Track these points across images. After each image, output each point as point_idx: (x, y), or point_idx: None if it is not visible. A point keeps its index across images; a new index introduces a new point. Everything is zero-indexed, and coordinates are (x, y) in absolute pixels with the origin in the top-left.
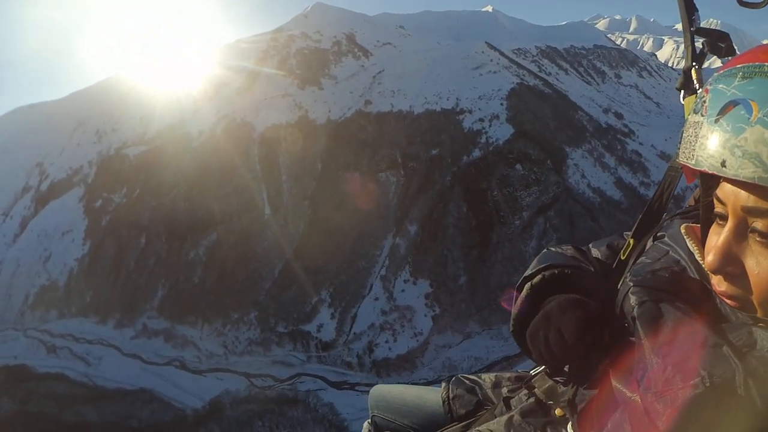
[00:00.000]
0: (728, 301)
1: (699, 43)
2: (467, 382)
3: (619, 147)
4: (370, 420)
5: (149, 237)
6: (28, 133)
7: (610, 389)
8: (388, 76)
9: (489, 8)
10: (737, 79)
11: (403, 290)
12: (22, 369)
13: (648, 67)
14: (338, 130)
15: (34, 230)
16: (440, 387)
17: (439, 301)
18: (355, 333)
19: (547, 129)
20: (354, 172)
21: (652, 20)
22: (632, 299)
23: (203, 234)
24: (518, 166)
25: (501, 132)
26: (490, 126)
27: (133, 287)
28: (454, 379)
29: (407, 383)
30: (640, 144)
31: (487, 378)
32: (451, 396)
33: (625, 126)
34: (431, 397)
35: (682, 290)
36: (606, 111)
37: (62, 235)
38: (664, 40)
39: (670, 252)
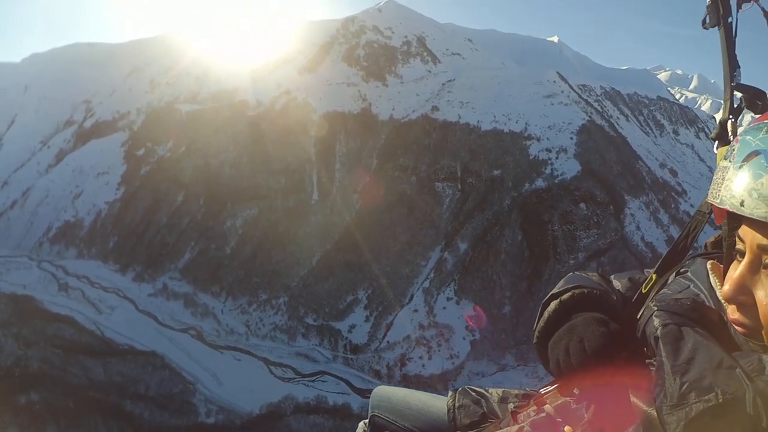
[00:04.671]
0: (739, 329)
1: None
2: (474, 393)
3: (672, 205)
4: (367, 420)
5: (187, 196)
6: (81, 68)
7: (625, 408)
8: (458, 86)
9: (555, 38)
10: (762, 132)
11: (444, 307)
12: (29, 302)
13: (706, 129)
14: (400, 130)
15: (70, 164)
16: (446, 396)
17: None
18: (388, 341)
19: (611, 173)
20: (411, 176)
21: (713, 81)
22: (656, 321)
23: (244, 205)
24: (582, 205)
25: (567, 166)
26: (557, 158)
27: (161, 243)
28: (461, 389)
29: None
30: (691, 206)
31: (495, 392)
32: (456, 405)
33: (679, 185)
34: (436, 403)
35: (701, 317)
36: (662, 166)
37: (97, 176)
38: (722, 104)
39: (691, 286)
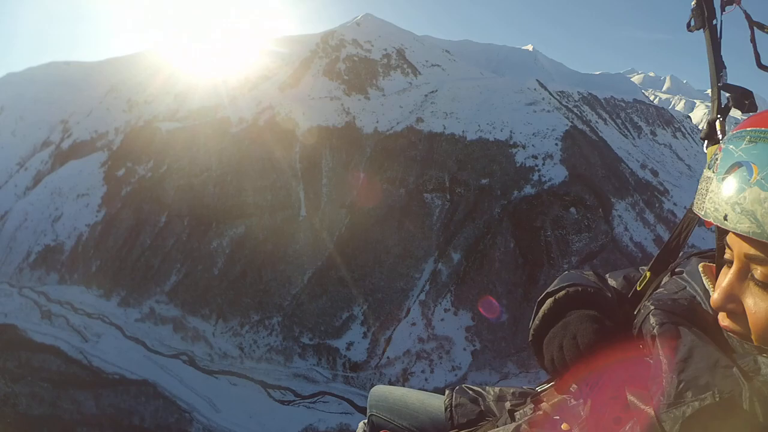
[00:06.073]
0: (732, 335)
1: (724, 97)
2: (471, 392)
3: (657, 205)
4: (366, 420)
5: (171, 216)
6: (58, 88)
7: (622, 405)
8: (441, 97)
9: (529, 47)
10: (744, 142)
11: (442, 319)
12: (12, 330)
13: (683, 129)
14: (386, 143)
15: (48, 186)
16: (444, 394)
17: (480, 337)
18: (388, 357)
19: (597, 176)
20: (399, 188)
21: (685, 82)
22: (652, 320)
23: (231, 224)
24: (573, 210)
25: (554, 172)
26: (543, 164)
27: (145, 266)
28: (458, 387)
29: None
30: (674, 204)
31: (491, 390)
32: (454, 404)
33: (661, 184)
34: (433, 402)
35: (698, 318)
36: (643, 167)
37: (77, 197)
38: (695, 103)
39: (687, 288)
